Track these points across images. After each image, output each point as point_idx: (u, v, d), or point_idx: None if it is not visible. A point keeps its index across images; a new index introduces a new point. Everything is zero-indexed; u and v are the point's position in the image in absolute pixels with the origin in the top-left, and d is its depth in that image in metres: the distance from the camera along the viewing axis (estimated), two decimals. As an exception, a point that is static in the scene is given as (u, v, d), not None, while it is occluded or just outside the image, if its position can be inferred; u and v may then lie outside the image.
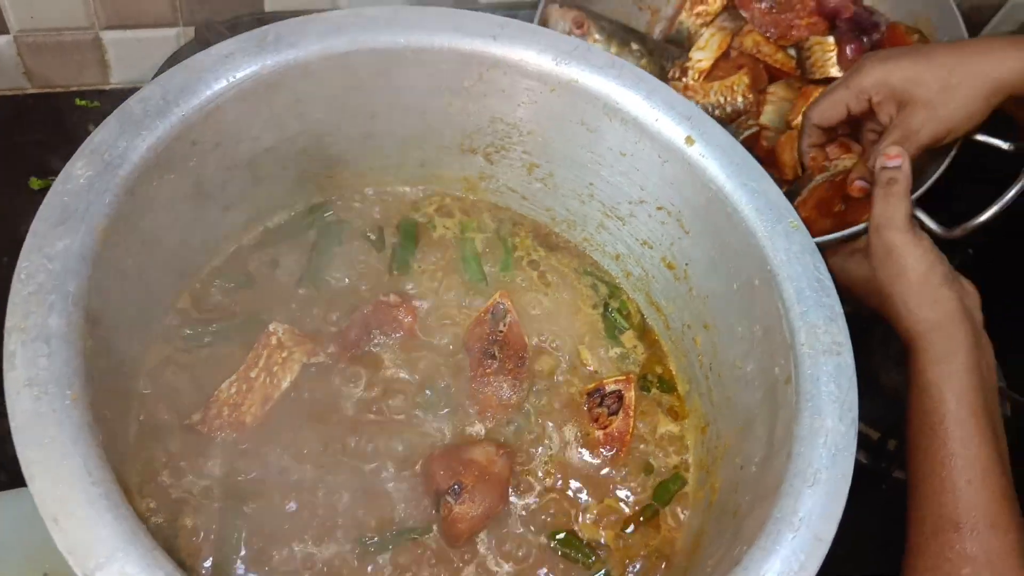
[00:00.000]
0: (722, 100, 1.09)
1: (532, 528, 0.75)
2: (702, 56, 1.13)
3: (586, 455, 0.80)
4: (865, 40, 1.12)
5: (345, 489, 0.73)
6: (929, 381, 0.75)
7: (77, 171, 0.63)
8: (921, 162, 0.91)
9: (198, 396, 0.74)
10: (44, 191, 0.62)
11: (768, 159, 1.07)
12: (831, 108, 0.93)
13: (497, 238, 0.91)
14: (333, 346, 0.79)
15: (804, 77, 1.13)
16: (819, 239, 0.79)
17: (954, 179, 0.92)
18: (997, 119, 0.89)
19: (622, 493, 0.79)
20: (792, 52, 1.16)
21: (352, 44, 0.75)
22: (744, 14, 1.16)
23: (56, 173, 0.63)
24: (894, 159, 0.83)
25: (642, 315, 0.90)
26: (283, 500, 0.71)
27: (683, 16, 1.17)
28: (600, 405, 0.82)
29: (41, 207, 0.61)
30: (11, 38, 1.04)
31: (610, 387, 0.82)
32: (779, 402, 0.69)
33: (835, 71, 1.10)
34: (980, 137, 0.91)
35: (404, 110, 0.83)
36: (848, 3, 1.15)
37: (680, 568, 0.75)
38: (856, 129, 0.98)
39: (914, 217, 0.82)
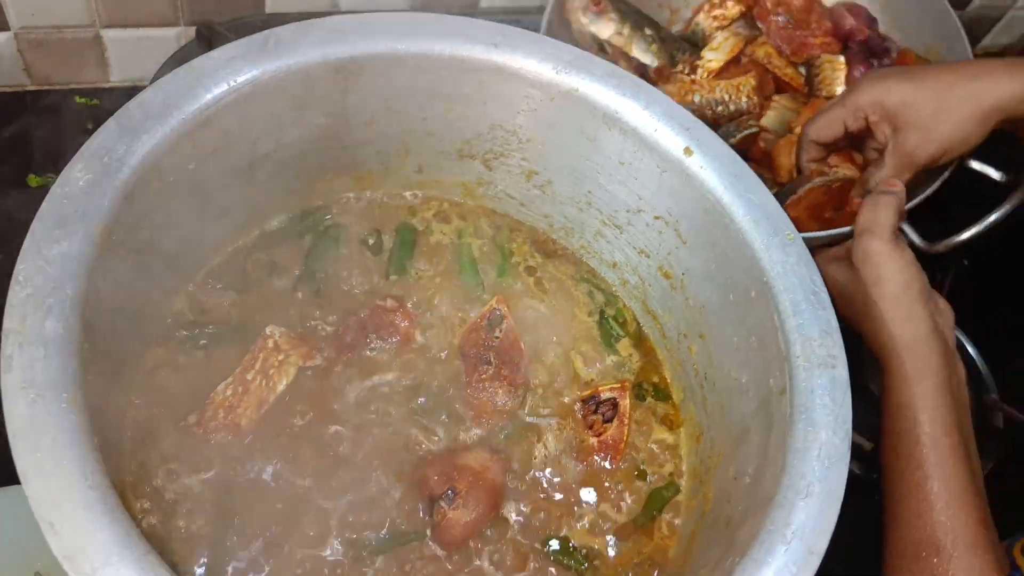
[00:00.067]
0: (726, 98, 1.10)
1: (525, 534, 0.76)
2: (713, 57, 1.13)
3: (580, 462, 0.80)
4: (875, 63, 1.13)
5: (339, 493, 0.73)
6: (902, 402, 0.76)
7: (76, 174, 0.63)
8: (916, 180, 0.91)
9: (194, 398, 0.74)
10: (43, 188, 0.62)
11: (764, 160, 1.07)
12: (828, 126, 0.94)
13: (494, 244, 0.91)
14: (329, 350, 0.79)
15: (811, 93, 1.14)
16: (805, 235, 0.78)
17: (948, 198, 0.93)
18: (997, 148, 0.90)
19: (616, 500, 0.79)
20: (802, 70, 1.16)
21: (353, 50, 0.75)
22: (761, 26, 1.16)
23: (55, 171, 0.63)
24: (892, 188, 0.84)
25: (638, 323, 0.90)
26: (277, 503, 0.71)
27: (700, 17, 1.18)
28: (595, 412, 0.82)
29: (40, 210, 0.61)
30: (12, 35, 1.04)
31: (605, 395, 0.83)
32: (773, 413, 0.69)
33: (841, 90, 1.11)
34: (975, 165, 0.92)
35: (403, 116, 0.83)
36: (863, 27, 1.16)
37: (672, 577, 0.75)
38: (857, 144, 0.98)
39: (900, 231, 0.83)
